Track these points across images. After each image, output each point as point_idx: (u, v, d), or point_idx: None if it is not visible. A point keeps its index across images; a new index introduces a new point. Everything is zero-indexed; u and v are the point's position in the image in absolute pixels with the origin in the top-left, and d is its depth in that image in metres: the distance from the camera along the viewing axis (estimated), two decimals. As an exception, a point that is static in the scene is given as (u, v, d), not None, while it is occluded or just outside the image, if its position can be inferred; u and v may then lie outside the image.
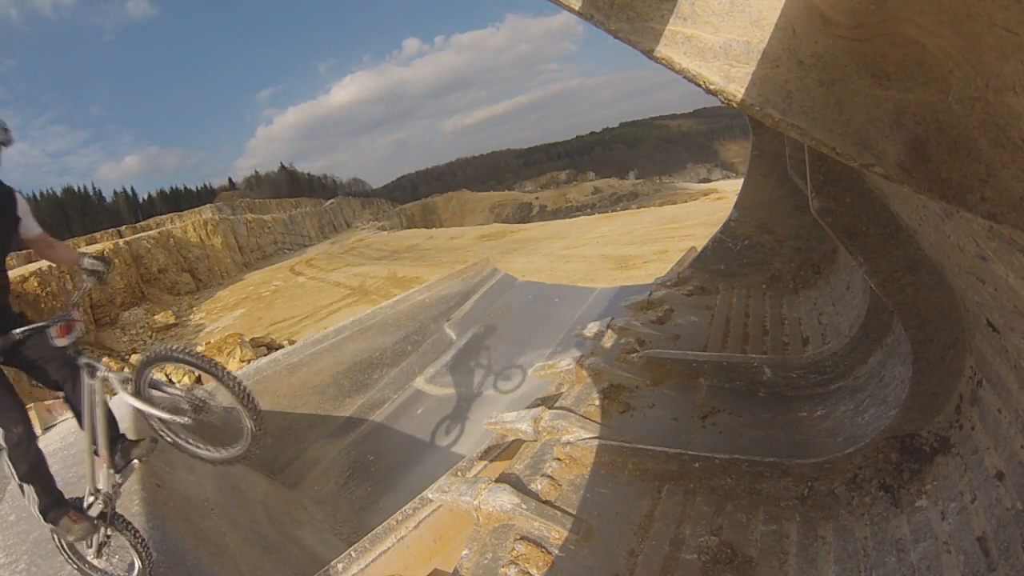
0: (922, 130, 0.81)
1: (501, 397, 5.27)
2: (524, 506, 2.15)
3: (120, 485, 2.19)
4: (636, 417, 2.83)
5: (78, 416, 2.13)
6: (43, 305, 22.80)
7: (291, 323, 21.35)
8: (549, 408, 2.85)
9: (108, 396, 2.14)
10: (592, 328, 4.27)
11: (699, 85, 0.96)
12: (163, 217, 43.01)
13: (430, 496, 2.46)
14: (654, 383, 3.16)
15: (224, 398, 1.99)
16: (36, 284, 22.93)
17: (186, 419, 2.03)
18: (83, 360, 2.10)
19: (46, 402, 4.46)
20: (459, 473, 2.62)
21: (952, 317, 1.84)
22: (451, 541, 2.34)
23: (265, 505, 3.90)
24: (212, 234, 38.18)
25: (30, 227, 2.19)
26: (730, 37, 0.92)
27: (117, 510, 2.16)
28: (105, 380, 2.09)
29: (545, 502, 2.20)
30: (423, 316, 6.86)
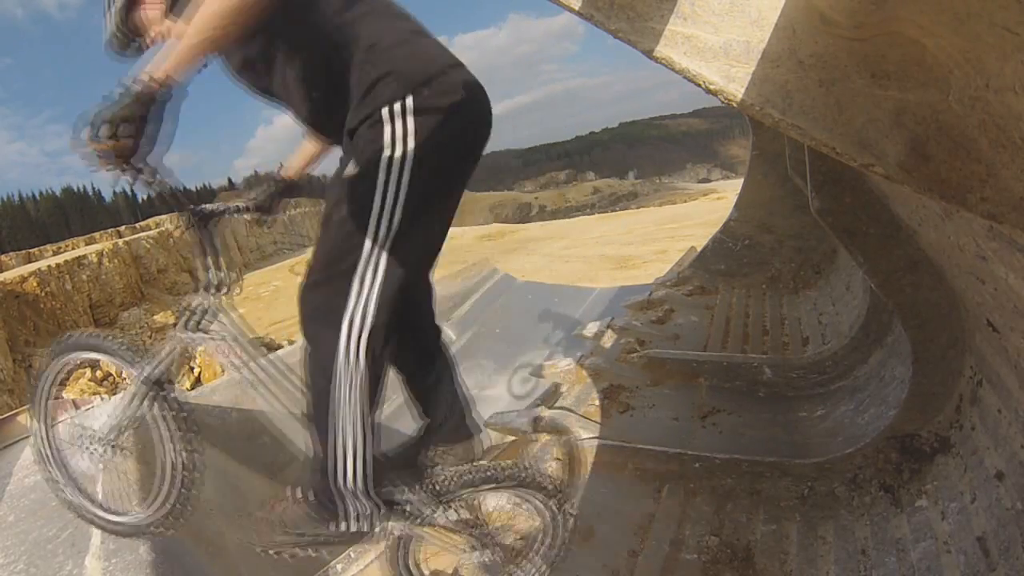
0: (922, 130, 0.81)
1: (500, 397, 5.26)
2: (524, 506, 2.15)
3: None
4: (636, 417, 2.83)
5: None
6: (43, 305, 22.78)
7: (291, 323, 21.35)
8: (549, 408, 2.85)
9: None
10: (592, 328, 4.26)
11: (699, 85, 0.96)
12: (163, 217, 42.92)
13: (430, 496, 2.46)
14: (654, 383, 3.16)
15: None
16: (36, 284, 22.90)
17: None
18: None
19: (46, 402, 4.44)
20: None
21: (952, 317, 1.84)
22: (451, 541, 2.33)
23: (265, 505, 3.89)
24: (212, 234, 38.04)
25: None
26: (730, 37, 0.92)
27: None
28: None
29: (545, 502, 2.20)
30: (423, 316, 6.83)
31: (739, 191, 4.91)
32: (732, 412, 2.79)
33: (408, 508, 1.36)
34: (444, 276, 7.91)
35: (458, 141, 1.23)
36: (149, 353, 1.37)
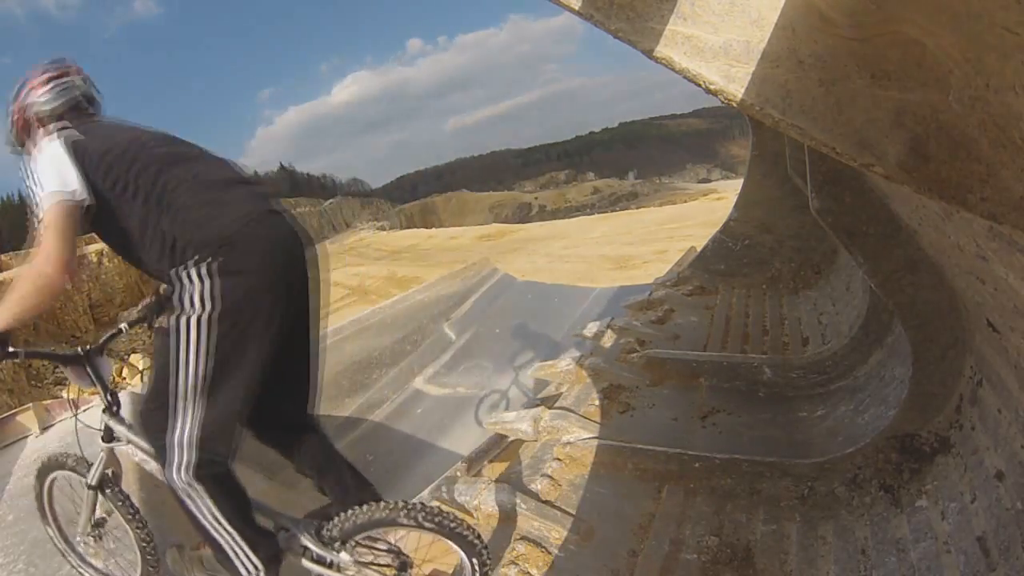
0: (922, 130, 0.81)
1: (500, 397, 5.26)
2: (524, 506, 2.15)
3: None
4: (636, 417, 2.83)
5: None
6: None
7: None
8: (549, 408, 2.85)
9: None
10: (592, 328, 4.26)
11: (699, 85, 0.96)
12: (163, 217, 42.89)
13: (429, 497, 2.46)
14: (654, 383, 3.16)
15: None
16: (35, 284, 22.85)
17: None
18: None
19: (45, 402, 4.46)
20: (459, 473, 2.62)
21: (952, 317, 1.84)
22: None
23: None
24: (212, 234, 37.97)
25: None
26: (730, 37, 0.92)
27: None
28: None
29: (545, 502, 2.20)
30: (422, 316, 6.84)
31: (739, 191, 4.91)
32: (732, 412, 2.79)
33: (312, 554, 1.48)
34: (443, 276, 7.91)
35: (264, 295, 1.31)
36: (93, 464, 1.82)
